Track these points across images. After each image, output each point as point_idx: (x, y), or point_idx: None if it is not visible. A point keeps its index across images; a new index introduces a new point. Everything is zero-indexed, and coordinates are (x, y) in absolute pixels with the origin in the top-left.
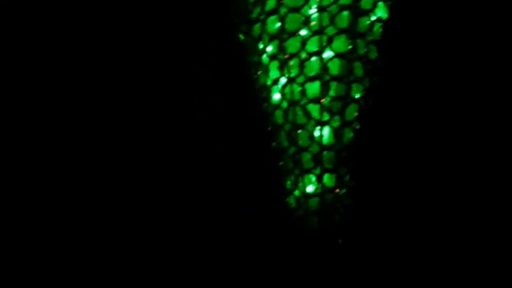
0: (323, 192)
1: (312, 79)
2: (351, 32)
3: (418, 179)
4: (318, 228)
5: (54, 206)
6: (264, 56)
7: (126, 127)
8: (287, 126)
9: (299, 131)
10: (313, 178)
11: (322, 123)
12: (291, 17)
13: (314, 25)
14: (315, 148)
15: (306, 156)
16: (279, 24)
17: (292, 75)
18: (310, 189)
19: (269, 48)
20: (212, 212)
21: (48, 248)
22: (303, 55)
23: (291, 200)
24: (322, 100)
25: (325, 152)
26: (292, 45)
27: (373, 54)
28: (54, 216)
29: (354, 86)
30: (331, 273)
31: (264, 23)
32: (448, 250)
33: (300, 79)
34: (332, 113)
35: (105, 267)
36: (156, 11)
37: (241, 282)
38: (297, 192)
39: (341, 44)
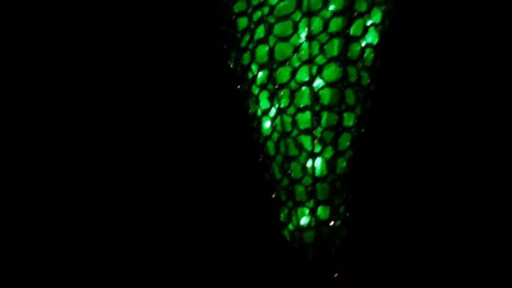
0: (317, 225)
1: (302, 110)
2: (342, 60)
3: (413, 207)
4: (314, 260)
5: (54, 206)
6: (254, 86)
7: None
8: (279, 158)
9: (291, 163)
10: (307, 211)
11: (314, 155)
12: (281, 46)
13: (304, 54)
14: (307, 180)
15: (299, 189)
16: (268, 54)
17: (282, 106)
18: (304, 221)
19: (259, 77)
20: (208, 245)
21: (48, 248)
22: (293, 85)
23: (286, 233)
24: (314, 131)
25: (318, 184)
26: (282, 74)
27: (365, 81)
28: (54, 216)
29: (346, 115)
30: None
31: (253, 52)
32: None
33: (291, 110)
34: (324, 144)
35: (105, 267)
36: (146, 37)
37: None
38: (291, 226)
39: (331, 72)
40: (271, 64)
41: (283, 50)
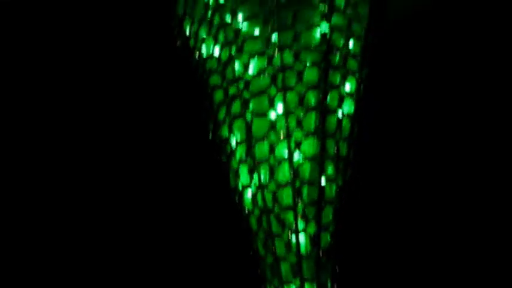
0: None
1: (283, 186)
2: (320, 133)
3: (402, 278)
4: None
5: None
6: (233, 159)
7: None
8: (261, 235)
9: (275, 240)
10: None
11: (297, 231)
12: (257, 122)
13: (281, 129)
14: (292, 258)
15: (284, 267)
16: (245, 129)
17: (263, 181)
18: None
19: (237, 151)
20: None
21: (48, 247)
22: (272, 161)
23: None
24: (296, 207)
25: (303, 261)
26: (261, 150)
27: (344, 151)
28: (54, 216)
29: (327, 188)
30: None
31: (230, 126)
32: None
33: (271, 186)
34: (307, 220)
35: (104, 267)
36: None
37: None
38: None
39: (310, 146)
40: (249, 139)
41: (260, 125)
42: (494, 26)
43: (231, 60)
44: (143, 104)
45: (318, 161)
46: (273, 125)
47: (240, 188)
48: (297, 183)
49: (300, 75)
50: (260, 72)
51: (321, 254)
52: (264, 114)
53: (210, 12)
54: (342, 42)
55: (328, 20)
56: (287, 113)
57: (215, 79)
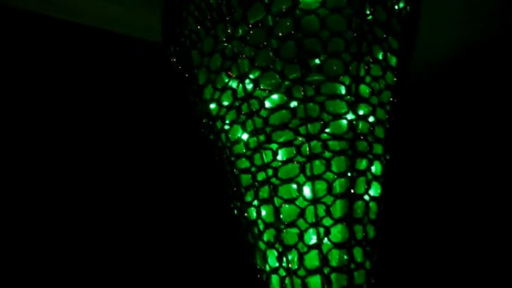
0: None
1: (312, 272)
2: (348, 220)
3: None
4: None
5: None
6: (261, 242)
7: None
8: None
9: None
10: None
11: None
12: (286, 208)
13: (310, 217)
14: None
15: None
16: (274, 214)
17: (292, 267)
18: None
19: (265, 235)
20: None
21: (48, 247)
22: (301, 247)
23: None
24: None
25: None
26: (290, 236)
27: (371, 234)
28: (54, 216)
29: (356, 274)
30: None
31: (258, 210)
32: None
33: (301, 272)
34: None
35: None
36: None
37: None
38: None
39: (338, 233)
40: (278, 224)
41: (289, 211)
42: None
43: (259, 147)
44: (169, 176)
45: (347, 246)
46: (301, 212)
47: (268, 269)
48: (326, 270)
49: (328, 164)
50: (288, 160)
51: None
52: (292, 201)
53: (238, 102)
54: (367, 128)
55: (354, 111)
56: (315, 200)
57: (243, 163)
